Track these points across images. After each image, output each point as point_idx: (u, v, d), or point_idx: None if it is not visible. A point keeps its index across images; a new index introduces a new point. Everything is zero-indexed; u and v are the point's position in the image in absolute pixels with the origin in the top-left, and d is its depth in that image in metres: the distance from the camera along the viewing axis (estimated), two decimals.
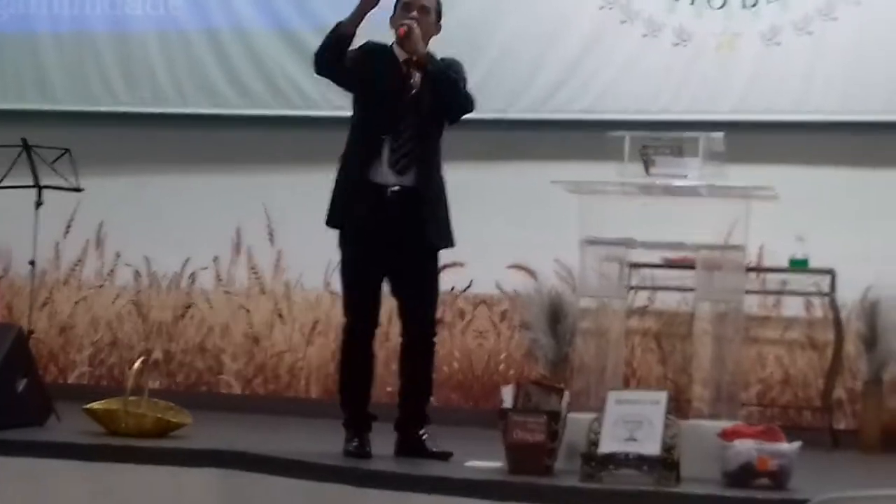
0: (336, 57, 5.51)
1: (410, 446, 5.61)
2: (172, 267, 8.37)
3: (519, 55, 7.81)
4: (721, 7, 7.56)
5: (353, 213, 5.54)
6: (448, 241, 5.69)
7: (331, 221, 5.66)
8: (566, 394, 5.26)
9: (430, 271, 5.67)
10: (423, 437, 5.62)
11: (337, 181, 5.66)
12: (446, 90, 5.58)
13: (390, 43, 5.66)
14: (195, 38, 8.36)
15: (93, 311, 8.50)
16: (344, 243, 5.64)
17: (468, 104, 5.66)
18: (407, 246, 5.55)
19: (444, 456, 5.55)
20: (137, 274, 8.44)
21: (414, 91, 5.58)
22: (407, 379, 5.68)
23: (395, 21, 5.64)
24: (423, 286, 5.64)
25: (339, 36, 5.47)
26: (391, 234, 5.52)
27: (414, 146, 5.55)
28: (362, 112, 5.65)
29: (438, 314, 5.82)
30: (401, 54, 5.61)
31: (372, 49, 5.63)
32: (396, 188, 5.52)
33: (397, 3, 5.68)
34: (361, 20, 5.47)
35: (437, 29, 5.73)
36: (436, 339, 5.72)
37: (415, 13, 5.59)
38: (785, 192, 6.17)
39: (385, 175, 5.52)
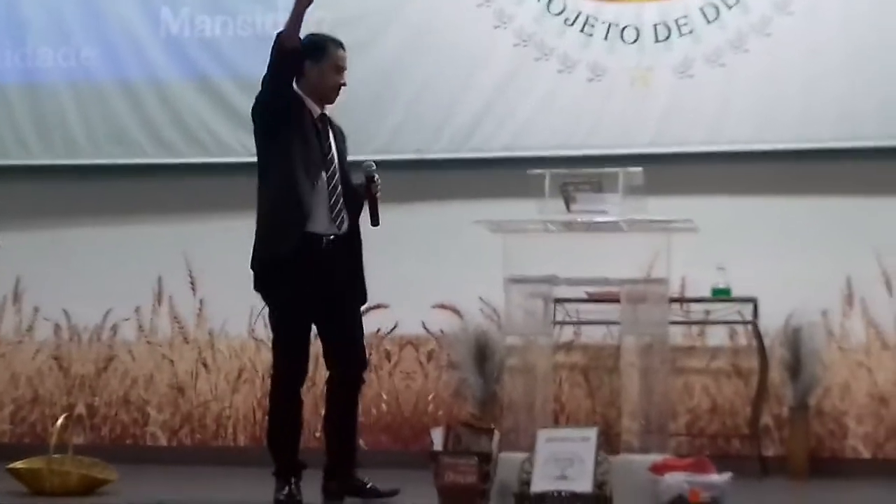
0: (292, 70, 5.45)
1: (353, 490, 5.62)
2: (93, 319, 8.25)
3: (435, 95, 7.81)
4: (634, 42, 7.62)
5: (289, 261, 5.45)
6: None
7: (257, 265, 5.55)
8: (496, 434, 5.25)
9: (359, 315, 5.74)
10: (366, 480, 5.65)
11: (264, 226, 5.55)
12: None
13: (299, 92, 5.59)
14: (108, 89, 8.26)
15: (12, 368, 8.35)
16: (276, 291, 5.54)
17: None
18: (341, 292, 5.58)
19: (392, 493, 5.63)
20: (57, 328, 8.32)
21: (331, 144, 5.63)
22: (341, 422, 5.68)
23: (324, 79, 5.58)
24: (358, 330, 5.71)
25: (287, 48, 5.34)
26: (326, 282, 5.51)
27: (342, 196, 5.59)
28: (286, 161, 5.50)
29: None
30: (314, 109, 5.60)
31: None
32: (332, 237, 5.54)
33: (322, 57, 5.59)
34: (300, 22, 5.35)
35: None
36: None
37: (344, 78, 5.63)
38: (704, 223, 6.22)
39: (322, 224, 5.51)
